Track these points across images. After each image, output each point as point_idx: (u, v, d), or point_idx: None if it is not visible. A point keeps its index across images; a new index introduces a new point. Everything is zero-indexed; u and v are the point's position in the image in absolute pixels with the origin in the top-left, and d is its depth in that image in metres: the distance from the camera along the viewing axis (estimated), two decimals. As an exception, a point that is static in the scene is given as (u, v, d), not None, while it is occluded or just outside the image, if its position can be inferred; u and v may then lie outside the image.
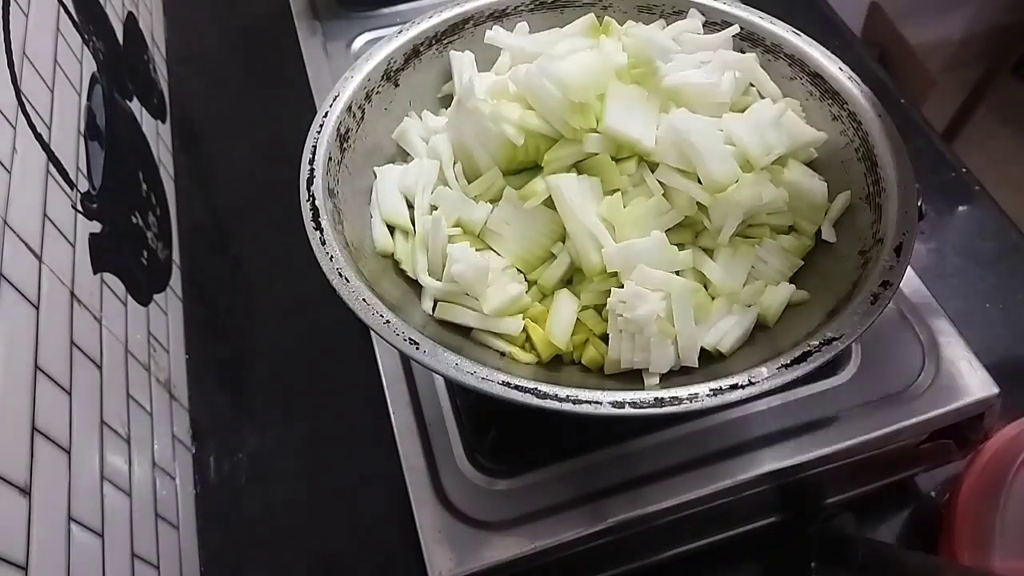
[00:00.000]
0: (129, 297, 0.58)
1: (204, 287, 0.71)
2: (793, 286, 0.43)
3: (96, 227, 0.55)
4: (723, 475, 0.47)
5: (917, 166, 0.42)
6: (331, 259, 0.39)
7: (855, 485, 0.56)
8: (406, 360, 0.53)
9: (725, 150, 0.42)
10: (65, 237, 0.50)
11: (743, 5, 0.51)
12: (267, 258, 0.73)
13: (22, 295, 0.42)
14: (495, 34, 0.49)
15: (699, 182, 0.42)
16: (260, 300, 0.71)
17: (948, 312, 0.53)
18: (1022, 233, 0.70)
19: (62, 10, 0.60)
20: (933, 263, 0.68)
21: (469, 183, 0.45)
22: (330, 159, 0.44)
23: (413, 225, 0.45)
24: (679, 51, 0.47)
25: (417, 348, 0.36)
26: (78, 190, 0.53)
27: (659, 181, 0.43)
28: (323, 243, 0.40)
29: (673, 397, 0.35)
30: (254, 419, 0.63)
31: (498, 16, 0.52)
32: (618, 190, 0.43)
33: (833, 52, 0.48)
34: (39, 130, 0.50)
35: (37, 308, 0.44)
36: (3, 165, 0.44)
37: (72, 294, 0.48)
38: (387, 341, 0.37)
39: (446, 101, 0.52)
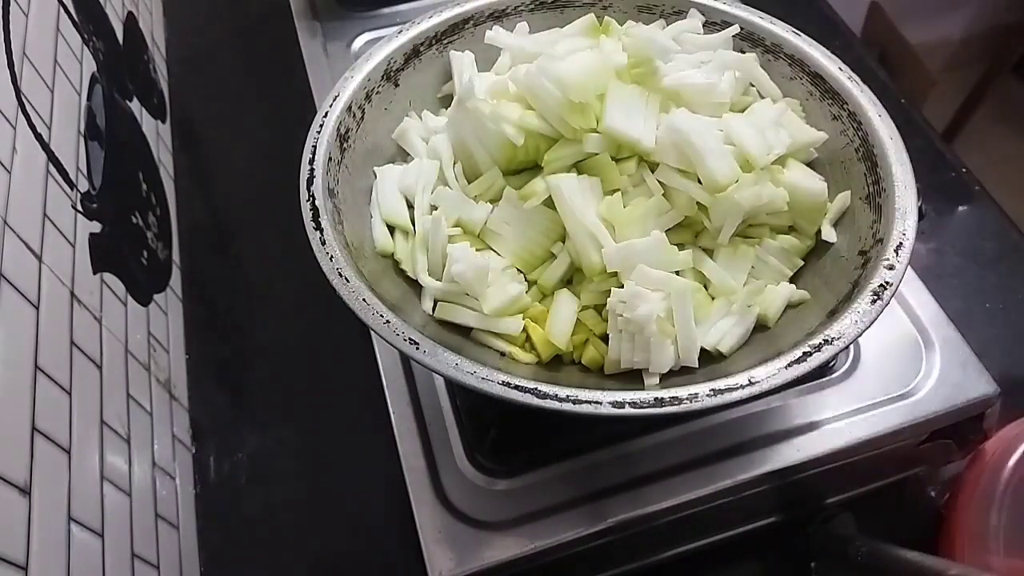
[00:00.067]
0: (129, 297, 0.58)
1: (204, 287, 0.71)
2: (793, 286, 0.43)
3: (96, 227, 0.55)
4: (723, 475, 0.47)
5: (917, 166, 0.42)
6: (331, 259, 0.39)
7: (855, 485, 0.56)
8: (406, 360, 0.53)
9: (725, 150, 0.42)
10: (65, 237, 0.50)
11: (743, 5, 0.51)
12: (267, 258, 0.73)
13: (22, 295, 0.42)
14: (495, 34, 0.49)
15: (699, 182, 0.42)
16: (260, 300, 0.71)
17: (948, 312, 0.53)
18: (1022, 233, 0.70)
19: (62, 10, 0.60)
20: (933, 263, 0.68)
21: (469, 183, 0.45)
22: (330, 159, 0.44)
23: (413, 225, 0.45)
24: (679, 51, 0.47)
25: (417, 348, 0.36)
26: (78, 190, 0.53)
27: (659, 181, 0.43)
28: (323, 243, 0.40)
29: (673, 397, 0.35)
30: (254, 419, 0.63)
31: (498, 16, 0.52)
32: (618, 190, 0.43)
33: (833, 52, 0.48)
34: (39, 130, 0.50)
35: (37, 308, 0.44)
36: (3, 165, 0.44)
37: (72, 294, 0.48)
38: (387, 341, 0.37)
39: (446, 101, 0.52)
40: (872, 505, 0.56)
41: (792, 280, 0.44)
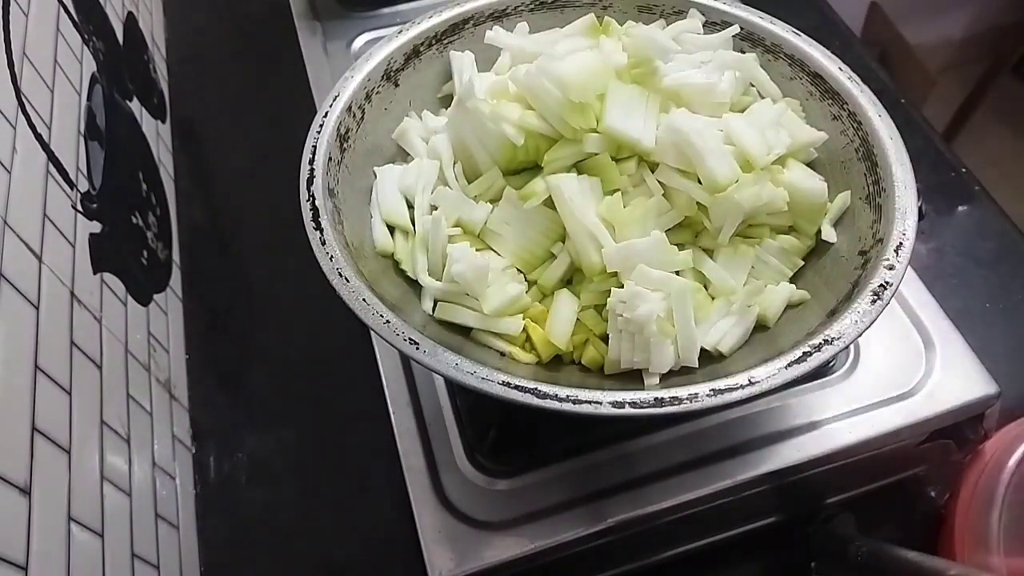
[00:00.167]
0: (129, 297, 0.58)
1: (204, 287, 0.71)
2: (793, 286, 0.43)
3: (96, 227, 0.55)
4: (723, 475, 0.47)
5: (917, 166, 0.42)
6: (331, 259, 0.39)
7: (855, 485, 0.56)
8: (406, 360, 0.53)
9: (725, 150, 0.42)
10: (65, 237, 0.50)
11: (743, 5, 0.51)
12: (267, 258, 0.73)
13: (22, 295, 0.42)
14: (495, 34, 0.49)
15: (699, 182, 0.42)
16: (260, 300, 0.71)
17: (948, 312, 0.53)
18: (1022, 233, 0.70)
19: (62, 10, 0.60)
20: (933, 263, 0.68)
21: (469, 183, 0.45)
22: (330, 159, 0.44)
23: (413, 225, 0.45)
24: (679, 51, 0.47)
25: (417, 348, 0.36)
26: (78, 190, 0.53)
27: (659, 181, 0.43)
28: (323, 243, 0.40)
29: (673, 397, 0.35)
30: (254, 419, 0.63)
31: (498, 16, 0.52)
32: (618, 190, 0.43)
33: (833, 52, 0.48)
34: (39, 130, 0.50)
35: (37, 308, 0.44)
36: (3, 165, 0.44)
37: (72, 294, 0.48)
38: (387, 341, 0.37)
39: (446, 101, 0.52)
40: (872, 505, 0.56)
41: (792, 280, 0.44)
